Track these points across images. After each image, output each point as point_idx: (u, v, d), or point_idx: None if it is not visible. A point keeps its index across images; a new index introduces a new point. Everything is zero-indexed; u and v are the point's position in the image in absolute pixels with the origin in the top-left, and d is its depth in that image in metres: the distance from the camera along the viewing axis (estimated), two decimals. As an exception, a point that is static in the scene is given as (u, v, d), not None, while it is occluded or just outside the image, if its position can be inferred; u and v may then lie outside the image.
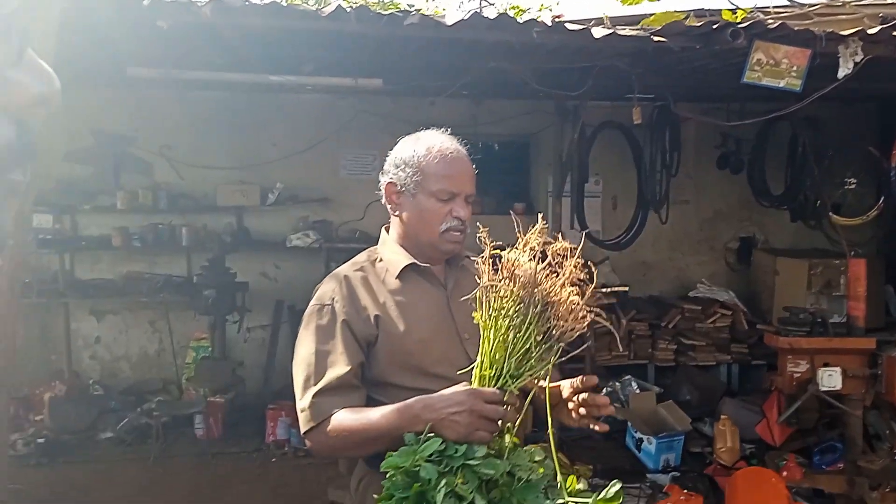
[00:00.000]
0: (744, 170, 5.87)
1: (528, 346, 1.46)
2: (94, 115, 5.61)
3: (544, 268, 1.49)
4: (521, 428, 1.84)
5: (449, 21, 2.72)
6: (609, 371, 5.78)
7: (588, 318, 1.49)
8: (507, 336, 1.47)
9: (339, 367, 1.64)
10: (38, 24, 2.01)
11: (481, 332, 1.50)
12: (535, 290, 1.46)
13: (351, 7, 2.73)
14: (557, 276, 1.49)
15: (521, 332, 1.46)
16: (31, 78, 0.38)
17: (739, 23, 3.03)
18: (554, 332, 1.45)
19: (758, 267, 6.30)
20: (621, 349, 5.74)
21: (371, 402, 1.68)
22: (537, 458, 1.45)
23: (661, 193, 5.48)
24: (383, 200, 1.81)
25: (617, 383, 5.51)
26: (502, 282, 1.49)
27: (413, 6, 7.32)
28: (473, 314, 1.55)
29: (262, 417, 5.07)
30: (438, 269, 1.84)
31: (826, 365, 4.05)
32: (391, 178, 1.76)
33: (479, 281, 1.87)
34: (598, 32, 2.85)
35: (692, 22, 3.20)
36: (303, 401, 1.65)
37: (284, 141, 5.83)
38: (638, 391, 5.40)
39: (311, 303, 1.75)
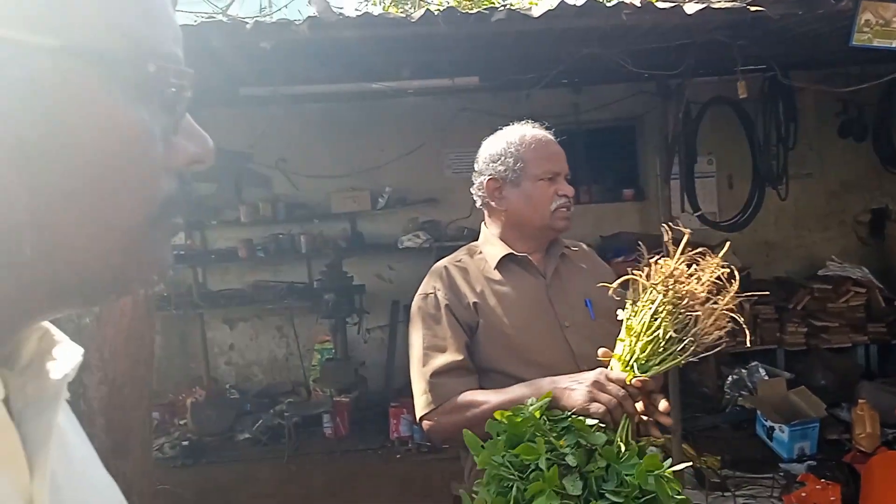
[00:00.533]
0: (869, 137, 5.48)
1: (665, 341, 1.47)
2: (214, 135, 5.74)
3: (692, 273, 1.52)
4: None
5: (536, 13, 2.72)
6: (734, 358, 5.56)
7: (727, 326, 1.50)
8: (648, 329, 1.49)
9: (450, 352, 1.72)
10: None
11: (625, 322, 1.52)
12: (682, 291, 1.48)
13: (439, 10, 2.79)
14: (701, 280, 1.51)
15: (660, 328, 1.48)
16: (189, 140, 0.46)
17: (844, -18, 2.85)
18: (691, 332, 1.46)
19: (893, 240, 5.87)
20: (748, 338, 5.51)
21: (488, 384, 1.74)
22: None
23: (779, 168, 5.20)
24: (479, 203, 1.88)
25: (743, 370, 5.29)
26: (651, 281, 1.52)
27: (503, 1, 7.32)
28: (615, 309, 1.59)
29: (385, 415, 5.23)
30: (537, 258, 1.88)
31: (973, 341, 3.73)
32: (490, 174, 1.82)
33: (582, 268, 1.91)
34: (690, 8, 2.77)
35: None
36: (420, 384, 1.73)
37: (390, 145, 5.99)
38: (766, 378, 5.17)
39: (416, 295, 1.84)
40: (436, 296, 1.79)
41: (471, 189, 1.88)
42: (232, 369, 6.24)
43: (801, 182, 5.95)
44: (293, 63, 3.54)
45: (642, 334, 1.49)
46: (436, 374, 1.71)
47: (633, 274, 1.55)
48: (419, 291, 1.84)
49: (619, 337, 1.54)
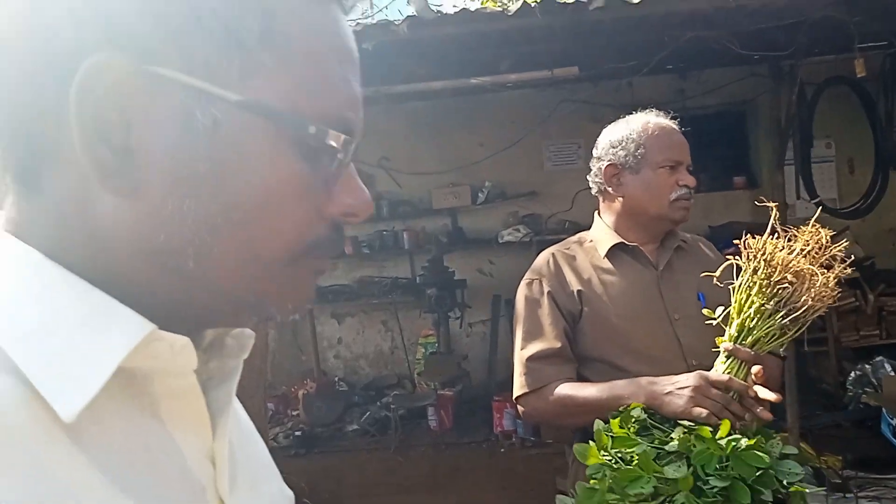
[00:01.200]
0: None
1: (763, 316, 1.43)
2: (320, 137, 6.17)
3: (785, 246, 1.47)
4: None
5: (635, -1, 2.67)
6: (857, 353, 5.25)
7: (831, 298, 1.43)
8: (746, 305, 1.46)
9: (549, 339, 1.73)
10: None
11: (734, 302, 1.49)
12: (776, 264, 1.44)
13: (536, 2, 2.78)
14: (805, 255, 1.45)
15: (756, 302, 1.44)
16: (347, 194, 0.53)
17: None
18: (796, 307, 1.41)
19: None
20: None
21: (579, 378, 1.74)
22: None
23: (904, 150, 4.87)
24: (595, 190, 1.86)
25: (867, 366, 4.99)
26: (754, 262, 1.48)
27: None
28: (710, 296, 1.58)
29: (488, 409, 5.26)
30: (650, 249, 1.84)
31: None
32: (610, 160, 1.80)
33: (698, 261, 1.86)
34: (801, -16, 2.64)
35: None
36: (518, 367, 1.76)
37: (490, 140, 6.00)
38: (892, 373, 4.85)
39: (522, 281, 1.84)
40: (540, 282, 1.79)
41: (588, 176, 1.87)
42: (340, 362, 6.44)
43: (931, 164, 5.53)
44: (394, 62, 3.62)
45: (742, 311, 1.45)
46: (532, 359, 1.73)
47: (733, 258, 1.51)
48: (525, 277, 1.85)
49: (726, 322, 1.50)
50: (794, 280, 1.41)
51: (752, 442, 1.29)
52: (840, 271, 1.43)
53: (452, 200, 6.06)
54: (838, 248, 1.46)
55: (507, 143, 5.90)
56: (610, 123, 1.87)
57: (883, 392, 4.67)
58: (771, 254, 1.44)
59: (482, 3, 6.83)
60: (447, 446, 5.12)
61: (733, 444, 1.28)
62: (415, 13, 2.87)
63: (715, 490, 1.23)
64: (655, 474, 1.25)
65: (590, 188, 1.87)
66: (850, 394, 4.99)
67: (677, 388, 1.48)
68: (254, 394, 2.35)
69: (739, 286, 1.47)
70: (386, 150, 6.18)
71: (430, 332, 6.05)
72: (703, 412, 1.41)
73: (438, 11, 2.94)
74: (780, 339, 1.44)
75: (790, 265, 1.42)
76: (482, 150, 6.02)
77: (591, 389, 1.64)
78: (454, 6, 5.93)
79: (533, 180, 6.02)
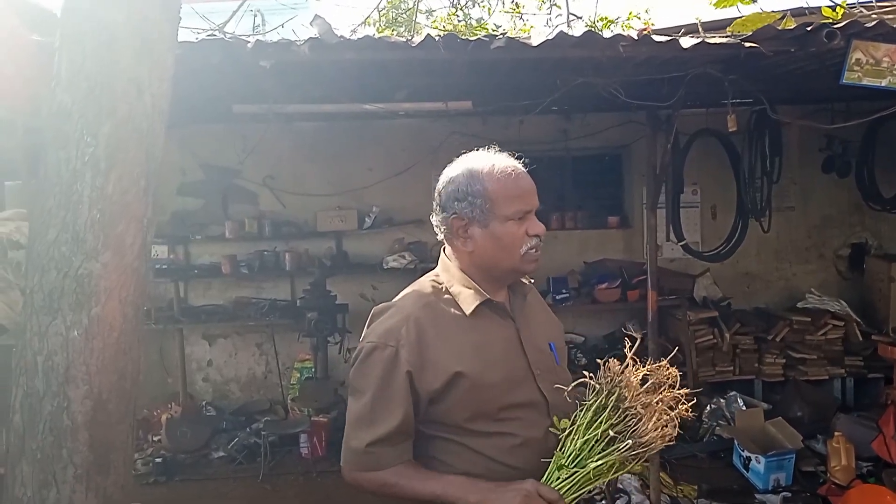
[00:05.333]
0: (852, 173, 5.59)
1: (605, 442, 1.50)
2: (203, 150, 5.96)
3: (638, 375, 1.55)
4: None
5: (535, 42, 2.76)
6: (713, 387, 5.60)
7: (672, 436, 1.53)
8: (588, 427, 1.53)
9: (395, 418, 1.59)
10: (154, 71, 2.18)
11: (567, 430, 1.56)
12: (626, 393, 1.52)
13: (439, 35, 2.81)
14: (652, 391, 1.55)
15: (600, 427, 1.51)
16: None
17: (835, 23, 2.92)
18: (641, 441, 1.49)
19: (871, 274, 5.98)
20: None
21: (441, 442, 1.66)
22: None
23: (763, 201, 5.28)
24: (441, 237, 1.74)
25: (721, 400, 5.33)
26: (608, 384, 1.56)
27: (500, 27, 7.39)
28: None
29: (364, 436, 5.18)
30: (503, 297, 1.76)
31: (951, 377, 3.80)
32: (455, 212, 1.67)
33: (536, 308, 1.86)
34: (686, 42, 2.82)
35: (789, 23, 3.10)
36: (356, 443, 1.63)
37: (380, 166, 6.00)
38: (744, 408, 5.21)
39: (373, 338, 1.66)
40: (397, 353, 1.61)
41: (432, 219, 1.74)
42: (209, 386, 6.16)
43: (784, 215, 6.05)
44: (290, 82, 3.55)
45: (584, 432, 1.52)
46: (375, 443, 1.60)
47: (587, 377, 1.59)
48: (378, 335, 1.65)
49: (563, 445, 1.56)
50: (643, 411, 1.49)
51: None
52: (682, 412, 1.55)
53: (338, 223, 5.99)
54: (682, 393, 1.58)
55: (396, 170, 5.93)
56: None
57: (735, 425, 5.00)
58: (626, 381, 1.52)
59: (378, 31, 6.86)
60: (318, 474, 4.99)
61: None
62: (317, 35, 2.84)
63: None
64: None
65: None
66: (706, 426, 5.30)
67: (508, 492, 1.49)
68: (122, 420, 2.19)
69: (588, 406, 1.54)
70: (272, 168, 6.05)
71: (308, 357, 5.91)
72: None
73: (342, 36, 2.92)
74: (609, 474, 1.51)
75: (640, 396, 1.51)
76: (371, 175, 6.01)
77: (419, 484, 1.58)
78: (351, 30, 5.93)
79: (420, 208, 6.03)
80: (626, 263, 6.04)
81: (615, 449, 1.46)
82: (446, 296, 1.70)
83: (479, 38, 2.83)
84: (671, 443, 1.51)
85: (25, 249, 2.29)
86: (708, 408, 5.36)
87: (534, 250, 1.68)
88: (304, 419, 5.47)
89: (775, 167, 5.29)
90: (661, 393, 1.51)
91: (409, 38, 2.91)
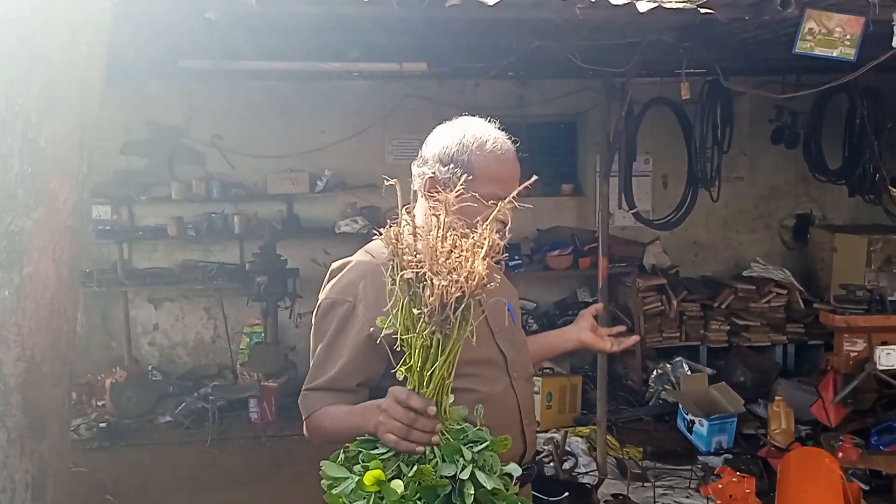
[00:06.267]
0: (800, 144, 5.70)
1: (420, 335, 1.31)
2: (148, 108, 5.75)
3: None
4: (532, 422, 1.80)
5: (491, 1, 2.70)
6: (660, 353, 5.72)
7: (479, 268, 1.29)
8: (406, 325, 1.34)
9: (339, 372, 1.58)
10: (90, 18, 2.06)
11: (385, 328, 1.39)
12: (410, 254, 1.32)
13: (393, -9, 2.74)
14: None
15: (411, 319, 1.32)
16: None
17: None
18: (437, 308, 1.28)
19: (815, 244, 6.15)
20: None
21: None
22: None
23: (713, 171, 5.35)
24: (415, 187, 1.70)
25: (668, 365, 5.45)
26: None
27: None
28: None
29: (314, 401, 5.15)
30: None
31: (884, 343, 3.95)
32: (433, 174, 1.65)
33: (495, 270, 1.74)
34: (642, 6, 2.79)
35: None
36: (301, 394, 1.65)
37: (333, 128, 5.89)
38: (689, 373, 5.34)
39: (332, 294, 1.64)
40: (354, 308, 1.59)
41: (411, 168, 1.72)
42: (155, 350, 6.04)
43: (733, 185, 6.16)
44: (238, 37, 3.42)
45: (401, 322, 1.34)
46: (310, 389, 1.61)
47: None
48: (335, 291, 1.64)
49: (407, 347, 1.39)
50: (423, 271, 1.28)
51: (410, 470, 1.32)
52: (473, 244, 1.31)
53: (289, 186, 5.87)
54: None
55: (349, 132, 5.83)
56: (448, 122, 1.71)
57: (680, 390, 5.12)
58: (396, 247, 1.33)
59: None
60: (267, 439, 4.96)
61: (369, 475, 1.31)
62: (267, -14, 2.73)
63: None
64: None
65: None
66: (652, 391, 5.42)
67: (379, 413, 1.37)
68: (57, 383, 2.11)
69: (388, 291, 1.35)
70: (220, 128, 5.88)
71: (257, 322, 5.83)
72: (392, 438, 1.33)
73: (291, -13, 2.81)
74: (447, 345, 1.31)
75: (414, 254, 1.31)
76: (324, 138, 5.90)
77: (336, 419, 1.56)
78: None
79: (374, 172, 5.95)
80: (579, 231, 6.08)
81: (419, 325, 1.29)
82: None
83: (434, -5, 2.77)
84: (486, 283, 1.30)
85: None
86: (655, 373, 5.47)
87: (497, 234, 1.60)
88: (254, 384, 5.41)
89: (726, 137, 5.35)
90: (439, 246, 1.31)
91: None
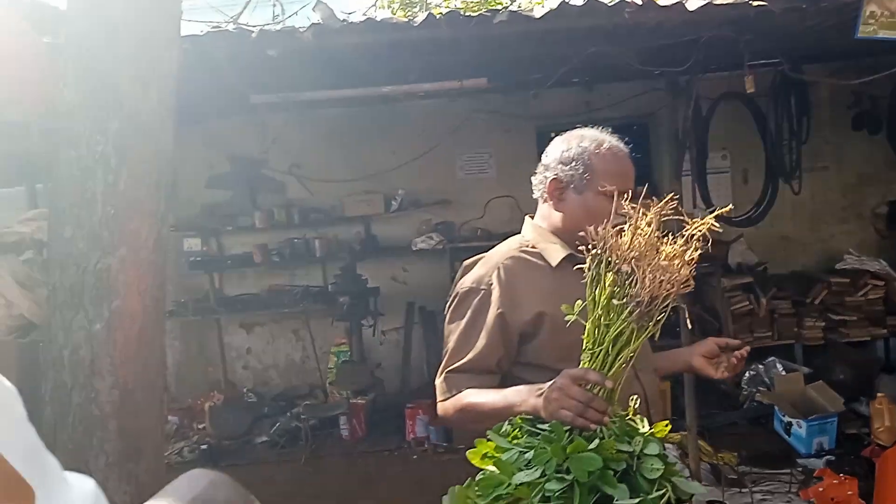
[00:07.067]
0: (882, 129, 5.41)
1: (620, 323, 1.38)
2: (229, 143, 6.05)
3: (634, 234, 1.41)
4: (659, 412, 1.85)
5: (538, 14, 2.73)
6: (751, 354, 5.49)
7: (678, 277, 1.36)
8: (604, 312, 1.41)
9: (475, 349, 1.72)
10: (158, 67, 2.22)
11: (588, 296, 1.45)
12: (617, 252, 1.39)
13: (441, 14, 2.81)
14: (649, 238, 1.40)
15: (613, 308, 1.39)
16: None
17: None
18: (633, 293, 1.36)
19: (911, 231, 5.81)
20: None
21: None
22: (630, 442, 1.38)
23: (792, 162, 5.16)
24: (537, 194, 1.85)
25: (760, 366, 5.26)
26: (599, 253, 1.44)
27: (504, 2, 7.31)
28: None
29: (401, 416, 5.25)
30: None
31: None
32: (556, 175, 1.79)
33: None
34: (691, 5, 2.76)
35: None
36: (440, 375, 1.78)
37: (403, 148, 6.01)
38: (784, 373, 5.13)
39: (466, 283, 1.80)
40: (490, 294, 1.75)
41: (532, 178, 1.85)
42: (249, 373, 6.29)
43: (817, 176, 5.90)
44: (301, 69, 3.58)
45: (592, 311, 1.42)
46: (454, 371, 1.75)
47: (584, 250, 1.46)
48: (470, 280, 1.80)
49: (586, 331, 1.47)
50: (635, 269, 1.36)
51: (589, 444, 1.32)
52: (686, 247, 1.37)
53: (365, 208, 6.03)
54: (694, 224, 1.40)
55: (419, 151, 5.93)
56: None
57: (775, 391, 4.93)
58: (613, 245, 1.40)
59: (392, 12, 6.85)
60: (359, 455, 5.08)
61: (572, 446, 1.32)
62: (320, 21, 2.85)
63: (556, 493, 1.28)
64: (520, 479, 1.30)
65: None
66: (745, 393, 5.24)
67: (548, 391, 1.46)
68: (150, 409, 2.26)
69: (590, 279, 1.43)
70: (296, 157, 6.11)
71: (343, 341, 5.99)
72: (567, 416, 1.39)
73: (344, 20, 2.93)
74: (633, 343, 1.39)
75: (630, 250, 1.38)
76: (395, 158, 6.03)
77: (487, 397, 1.66)
78: (364, 14, 5.93)
79: (446, 188, 6.07)
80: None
81: (622, 314, 1.37)
82: (533, 250, 1.82)
83: (481, 14, 2.82)
84: (686, 289, 1.37)
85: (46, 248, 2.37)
86: (747, 374, 5.29)
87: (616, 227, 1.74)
88: (343, 402, 5.56)
89: (803, 127, 5.15)
90: (655, 245, 1.38)
91: (413, 17, 2.90)
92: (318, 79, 3.94)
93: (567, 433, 1.39)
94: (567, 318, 1.45)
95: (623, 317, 1.36)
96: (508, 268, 1.76)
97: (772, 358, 5.35)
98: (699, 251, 1.39)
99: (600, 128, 1.85)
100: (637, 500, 1.27)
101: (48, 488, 0.60)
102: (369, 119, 5.97)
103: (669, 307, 1.37)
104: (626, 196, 1.63)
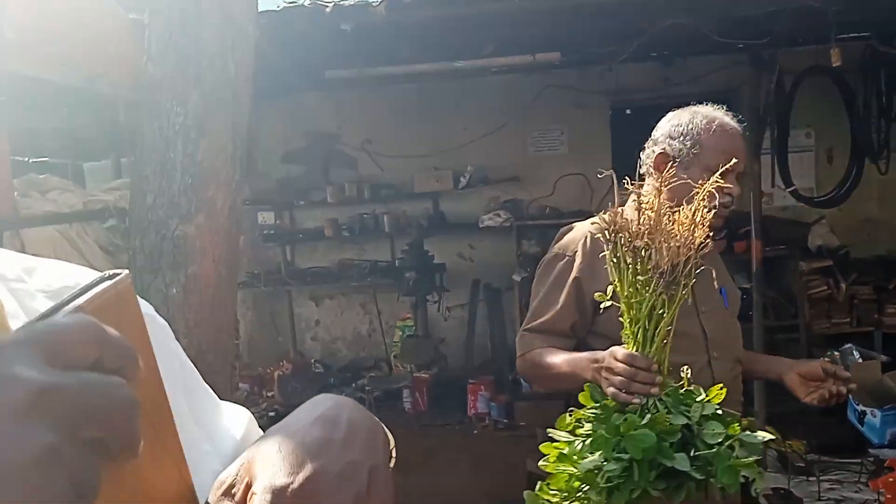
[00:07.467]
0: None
1: (650, 297, 1.40)
2: (304, 118, 6.16)
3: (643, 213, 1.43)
4: (734, 393, 1.82)
5: (613, -16, 2.68)
6: (828, 340, 5.32)
7: (700, 234, 1.38)
8: (632, 291, 1.43)
9: (555, 317, 1.79)
10: (237, 40, 2.28)
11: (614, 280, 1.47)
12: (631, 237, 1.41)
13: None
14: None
15: (639, 283, 1.41)
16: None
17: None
18: (668, 270, 1.38)
19: None
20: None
21: None
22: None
23: (880, 141, 4.91)
24: (643, 170, 1.83)
25: (836, 353, 5.05)
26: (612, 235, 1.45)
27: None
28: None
29: (463, 391, 5.29)
30: None
31: None
32: (664, 148, 1.80)
33: (716, 257, 1.90)
34: (777, -28, 2.65)
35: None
36: (520, 331, 1.88)
37: (474, 124, 5.99)
38: (860, 360, 4.92)
39: (554, 249, 1.87)
40: (571, 262, 1.79)
41: (641, 154, 1.85)
42: (318, 344, 6.44)
43: (906, 156, 5.60)
44: (374, 44, 3.60)
45: (623, 290, 1.44)
46: (530, 330, 1.83)
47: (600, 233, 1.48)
48: (557, 247, 1.86)
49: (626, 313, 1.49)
50: (652, 238, 1.39)
51: (642, 420, 1.34)
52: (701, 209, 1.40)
53: (434, 184, 6.05)
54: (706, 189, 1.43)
55: (490, 128, 5.90)
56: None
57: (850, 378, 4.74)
58: (623, 221, 1.43)
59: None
60: (421, 428, 5.15)
61: (625, 425, 1.35)
62: (393, -6, 2.87)
63: (617, 473, 1.31)
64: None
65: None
66: (821, 381, 5.05)
67: (598, 366, 1.52)
68: (221, 370, 2.35)
69: (612, 264, 1.46)
70: (369, 132, 6.16)
71: (408, 316, 6.06)
72: (615, 391, 1.44)
73: (418, -8, 2.94)
74: (668, 314, 1.41)
75: (641, 225, 1.41)
76: (466, 135, 6.01)
77: (556, 359, 1.73)
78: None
79: (515, 165, 6.02)
80: (734, 213, 5.78)
81: (649, 288, 1.40)
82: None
83: (555, -15, 2.78)
84: (705, 247, 1.40)
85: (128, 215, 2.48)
86: (822, 359, 5.10)
87: (724, 207, 1.73)
88: (407, 375, 5.64)
89: (893, 105, 4.89)
90: (664, 215, 1.41)
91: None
92: (392, 54, 3.96)
93: (620, 412, 1.42)
94: (603, 305, 1.48)
95: (650, 290, 1.38)
96: (595, 238, 1.76)
97: (849, 344, 5.12)
98: (712, 212, 1.41)
99: (716, 106, 1.82)
100: (693, 467, 1.28)
101: (206, 422, 0.65)
102: (441, 95, 5.96)
103: (691, 270, 1.38)
104: (733, 175, 1.70)
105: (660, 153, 1.80)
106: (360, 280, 6.01)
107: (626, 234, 1.41)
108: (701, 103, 1.87)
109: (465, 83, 5.83)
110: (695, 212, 1.40)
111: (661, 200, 1.41)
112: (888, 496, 3.25)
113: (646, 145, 1.86)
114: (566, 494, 1.38)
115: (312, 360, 6.25)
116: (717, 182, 1.66)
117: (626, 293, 1.43)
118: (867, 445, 4.26)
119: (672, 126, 1.81)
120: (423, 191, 6.07)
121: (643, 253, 1.39)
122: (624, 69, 5.64)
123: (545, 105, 5.83)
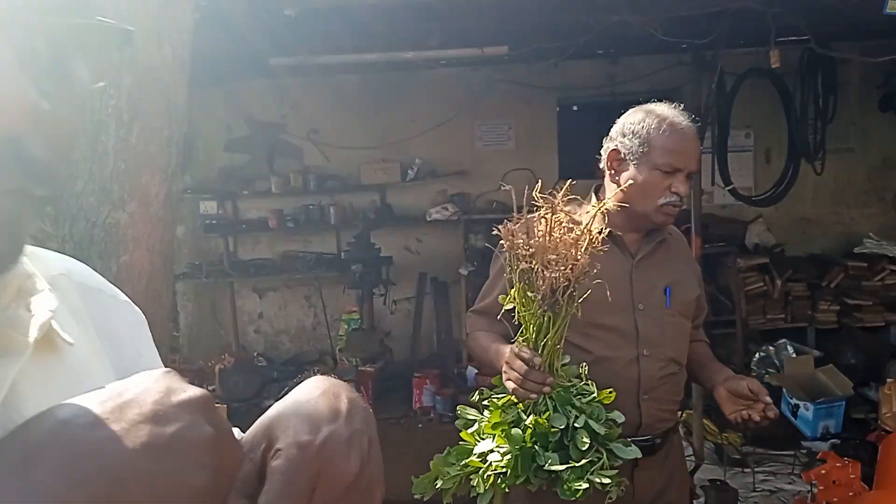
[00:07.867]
0: (910, 111, 5.29)
1: (535, 312, 1.55)
2: (247, 106, 6.03)
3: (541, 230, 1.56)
4: (659, 398, 1.90)
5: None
6: (763, 335, 5.48)
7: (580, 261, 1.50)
8: (521, 304, 1.59)
9: (492, 301, 1.86)
10: (173, 21, 2.20)
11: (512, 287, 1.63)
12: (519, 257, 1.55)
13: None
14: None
15: (527, 299, 1.56)
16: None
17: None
18: (548, 293, 1.51)
19: (936, 218, 5.70)
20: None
21: None
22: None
23: (816, 142, 5.06)
24: (602, 165, 1.89)
25: (771, 347, 5.21)
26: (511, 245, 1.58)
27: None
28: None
29: (408, 385, 5.26)
30: (633, 239, 1.90)
31: None
32: (616, 146, 1.83)
33: (672, 257, 1.95)
34: (718, -28, 2.69)
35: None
36: (467, 314, 2.06)
37: (422, 117, 5.96)
38: (794, 355, 5.09)
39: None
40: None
41: (586, 149, 1.97)
42: (261, 337, 6.34)
43: (841, 157, 5.78)
44: (319, 31, 3.54)
45: (519, 304, 1.59)
46: (473, 311, 2.01)
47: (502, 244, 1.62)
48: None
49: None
50: (534, 261, 1.51)
51: (526, 419, 1.56)
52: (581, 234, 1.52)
53: (382, 176, 6.00)
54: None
55: (438, 120, 5.88)
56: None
57: (784, 373, 4.89)
58: (513, 241, 1.56)
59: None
60: (366, 422, 5.10)
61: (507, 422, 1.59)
62: (338, -20, 2.81)
63: (499, 463, 1.53)
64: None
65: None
66: (755, 374, 5.20)
67: (504, 360, 1.64)
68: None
69: (509, 269, 1.58)
70: (315, 122, 6.07)
71: (354, 309, 6.00)
72: (512, 385, 1.58)
73: (363, -21, 2.89)
74: (556, 329, 1.55)
75: (528, 247, 1.53)
76: (413, 127, 5.98)
77: (487, 344, 1.86)
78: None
79: (463, 159, 6.02)
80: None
81: (534, 306, 1.55)
82: (577, 218, 1.91)
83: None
84: (585, 275, 1.52)
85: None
86: (757, 356, 5.25)
87: (672, 207, 1.80)
88: (352, 369, 5.58)
89: (829, 106, 5.04)
90: (548, 240, 1.53)
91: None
92: (338, 43, 3.89)
93: (514, 404, 1.62)
94: (505, 307, 1.63)
95: (534, 308, 1.53)
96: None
97: (783, 340, 5.30)
98: (593, 239, 1.52)
99: (673, 104, 1.84)
100: (565, 468, 1.46)
101: None
102: (388, 86, 5.92)
103: (576, 293, 1.50)
104: (682, 175, 1.77)
105: (612, 150, 1.84)
106: (304, 272, 5.93)
107: (516, 255, 1.53)
108: (650, 101, 1.89)
109: (413, 75, 5.80)
110: (577, 237, 1.50)
111: (550, 227, 1.51)
112: (820, 487, 3.36)
113: (604, 141, 1.89)
114: (465, 468, 1.60)
115: (255, 354, 6.14)
116: (664, 180, 1.77)
117: (519, 302, 1.57)
118: (800, 438, 4.41)
119: (625, 124, 1.83)
120: (369, 182, 6.01)
121: (529, 275, 1.52)
122: (572, 66, 5.69)
123: (493, 100, 5.83)
